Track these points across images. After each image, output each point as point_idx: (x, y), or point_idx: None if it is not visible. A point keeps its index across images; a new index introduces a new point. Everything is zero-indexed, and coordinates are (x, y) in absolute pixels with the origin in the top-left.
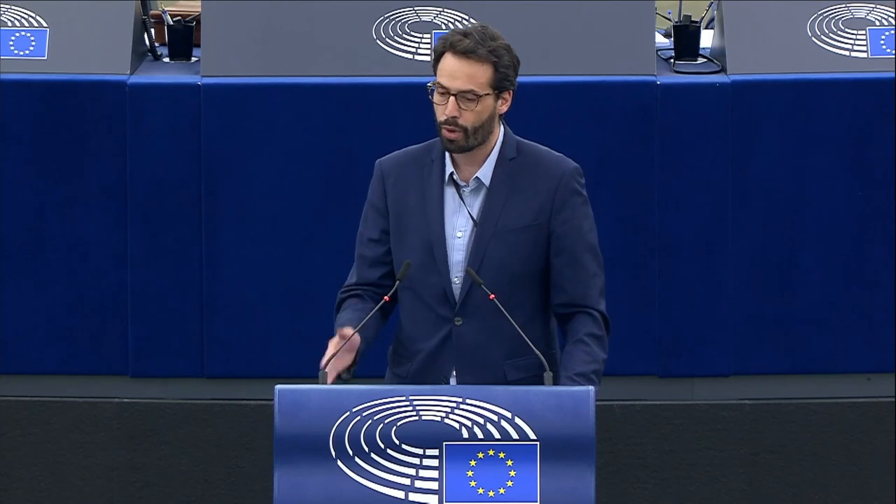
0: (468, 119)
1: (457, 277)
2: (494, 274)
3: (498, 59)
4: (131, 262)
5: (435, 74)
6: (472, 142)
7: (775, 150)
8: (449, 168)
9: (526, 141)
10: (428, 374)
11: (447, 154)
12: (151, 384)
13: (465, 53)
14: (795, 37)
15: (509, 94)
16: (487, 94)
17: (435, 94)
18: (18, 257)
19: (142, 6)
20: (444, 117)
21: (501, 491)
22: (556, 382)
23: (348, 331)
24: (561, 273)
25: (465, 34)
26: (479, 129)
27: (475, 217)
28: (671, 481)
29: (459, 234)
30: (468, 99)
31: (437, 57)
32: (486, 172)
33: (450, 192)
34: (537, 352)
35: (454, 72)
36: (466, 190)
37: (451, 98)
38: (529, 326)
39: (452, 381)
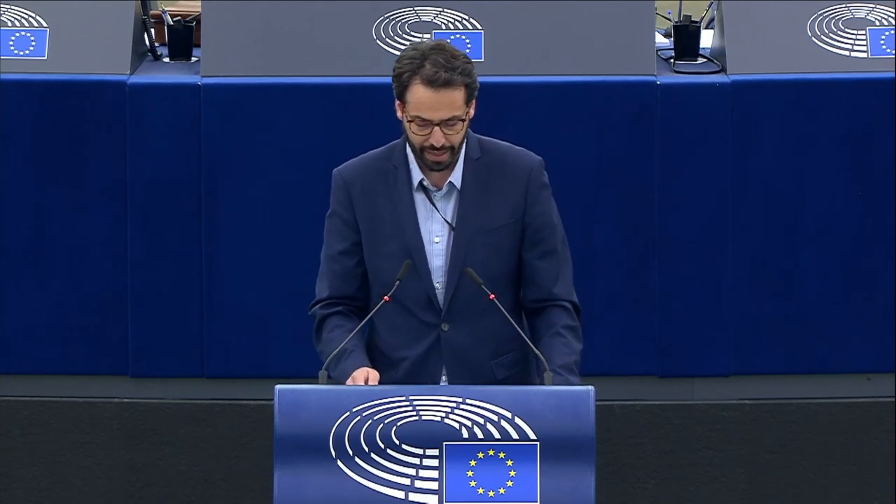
0: (455, 140)
1: (438, 283)
2: (478, 275)
3: (469, 78)
4: (131, 262)
5: (399, 95)
6: (456, 157)
7: (775, 150)
8: (418, 175)
9: (485, 138)
10: (416, 380)
11: (412, 160)
12: (151, 384)
13: (445, 85)
14: (795, 37)
15: (475, 99)
16: (466, 113)
17: (413, 124)
18: (19, 257)
19: (142, 6)
20: (430, 144)
21: (501, 491)
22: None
23: (375, 374)
24: (534, 267)
25: (433, 63)
26: (461, 143)
27: (450, 221)
28: (671, 481)
29: (437, 240)
30: (451, 125)
31: (403, 84)
32: (457, 176)
33: (420, 198)
34: (537, 352)
35: (434, 104)
36: (438, 195)
37: (436, 128)
38: (509, 324)
39: (443, 384)
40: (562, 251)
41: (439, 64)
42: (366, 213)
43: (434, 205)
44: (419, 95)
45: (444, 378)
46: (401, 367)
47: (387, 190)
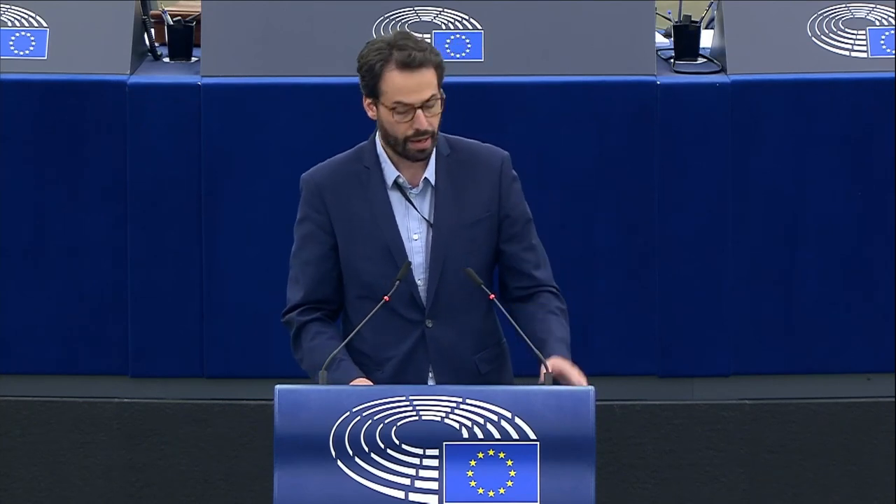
0: (436, 123)
1: (420, 280)
2: (459, 271)
3: (439, 57)
4: (131, 262)
5: (371, 89)
6: (434, 144)
7: (775, 150)
8: (394, 173)
9: (451, 136)
10: (402, 380)
11: (386, 159)
12: (151, 384)
13: (420, 66)
14: (795, 37)
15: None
16: (441, 93)
17: (393, 113)
18: (18, 257)
19: (142, 6)
20: (413, 130)
21: (501, 491)
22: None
23: (370, 384)
24: (517, 257)
25: (401, 48)
26: (438, 129)
27: (428, 218)
28: (671, 481)
29: (416, 237)
30: (431, 105)
31: (376, 75)
32: (431, 172)
33: (395, 197)
34: (537, 352)
35: (413, 87)
36: (414, 192)
37: (418, 111)
38: (488, 318)
39: (430, 382)
40: (537, 241)
41: (409, 47)
42: (341, 216)
43: (411, 202)
44: (396, 81)
45: (430, 375)
46: (386, 367)
47: (361, 191)
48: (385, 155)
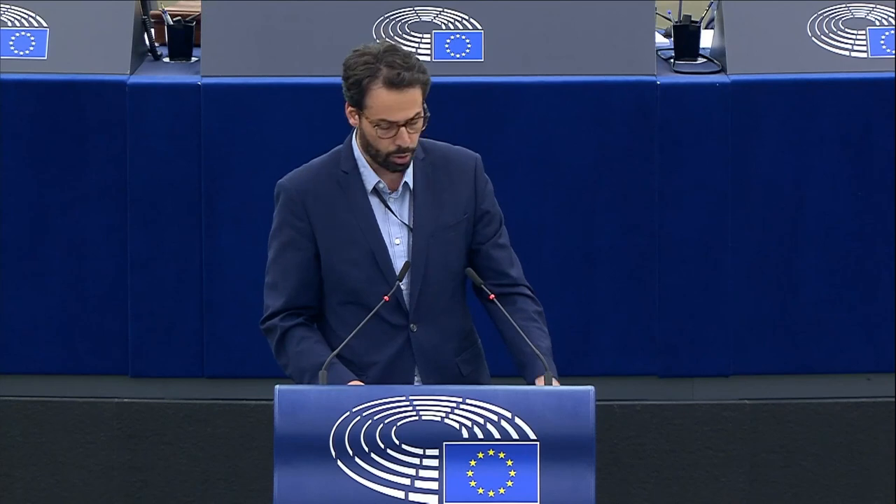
0: (416, 139)
1: (404, 284)
2: (440, 273)
3: (426, 75)
4: (131, 262)
5: (356, 101)
6: (413, 156)
7: (775, 150)
8: (373, 178)
9: (423, 139)
10: (388, 383)
11: (365, 164)
12: (151, 384)
13: (408, 85)
14: (795, 37)
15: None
16: (425, 110)
17: (377, 129)
18: (18, 257)
19: (142, 6)
20: (395, 147)
21: (501, 491)
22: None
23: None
24: (490, 256)
25: (389, 64)
26: (419, 141)
27: (407, 222)
28: (671, 481)
29: (397, 241)
30: (414, 123)
31: (362, 90)
32: (409, 176)
33: (374, 202)
34: (538, 353)
35: (399, 105)
36: (392, 197)
37: (402, 129)
38: (465, 319)
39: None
40: (508, 240)
41: (397, 65)
42: (323, 222)
43: (388, 207)
44: (382, 99)
45: (416, 379)
46: (370, 373)
47: (341, 196)
48: (364, 160)
